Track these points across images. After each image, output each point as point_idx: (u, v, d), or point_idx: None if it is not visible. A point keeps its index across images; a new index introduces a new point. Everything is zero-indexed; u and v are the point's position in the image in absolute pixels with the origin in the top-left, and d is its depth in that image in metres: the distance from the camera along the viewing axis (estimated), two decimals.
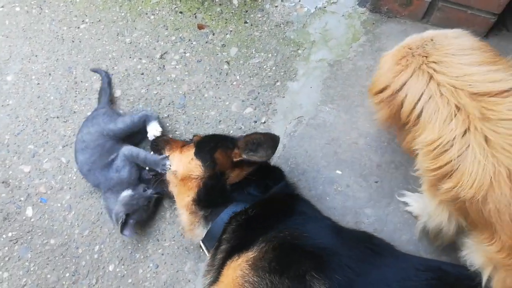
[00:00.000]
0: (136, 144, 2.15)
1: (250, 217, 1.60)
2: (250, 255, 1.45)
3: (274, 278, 1.36)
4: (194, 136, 1.96)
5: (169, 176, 1.83)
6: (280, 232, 1.50)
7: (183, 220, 1.75)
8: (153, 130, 2.08)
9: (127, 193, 1.89)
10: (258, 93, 2.33)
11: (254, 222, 1.58)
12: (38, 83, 2.47)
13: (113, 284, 1.87)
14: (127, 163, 1.95)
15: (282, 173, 1.83)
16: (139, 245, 1.95)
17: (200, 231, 1.71)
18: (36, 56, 2.58)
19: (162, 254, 1.93)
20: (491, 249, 1.30)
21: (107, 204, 1.92)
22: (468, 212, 1.34)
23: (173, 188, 1.82)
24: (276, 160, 2.11)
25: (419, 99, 1.44)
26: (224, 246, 1.59)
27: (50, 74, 2.50)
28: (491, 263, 1.34)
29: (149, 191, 1.91)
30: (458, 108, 1.34)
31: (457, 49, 1.47)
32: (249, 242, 1.49)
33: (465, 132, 1.30)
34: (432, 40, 1.54)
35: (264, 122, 2.24)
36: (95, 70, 2.47)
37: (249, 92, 2.34)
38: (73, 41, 2.62)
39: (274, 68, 2.41)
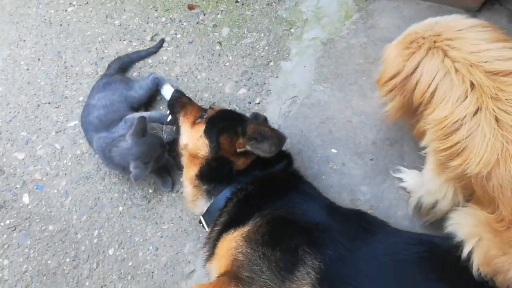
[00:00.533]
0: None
1: (249, 193, 1.62)
2: (245, 229, 1.48)
3: (266, 251, 1.39)
4: (210, 107, 1.90)
5: (181, 148, 1.83)
6: (276, 209, 1.53)
7: (186, 191, 1.76)
8: (169, 92, 2.12)
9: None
10: (252, 73, 2.32)
11: (252, 198, 1.61)
12: (28, 69, 2.43)
13: (114, 267, 1.89)
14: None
15: (288, 154, 1.83)
16: (138, 228, 1.97)
17: (202, 204, 1.72)
18: (24, 41, 2.53)
19: (161, 237, 1.94)
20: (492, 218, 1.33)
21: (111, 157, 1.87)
22: (473, 189, 1.37)
23: (184, 159, 1.82)
24: None
25: (434, 77, 1.42)
26: (222, 219, 1.62)
27: (39, 59, 2.46)
28: (476, 235, 1.37)
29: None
30: (472, 85, 1.34)
31: (469, 26, 1.46)
32: (246, 217, 1.52)
33: (476, 111, 1.31)
34: (437, 23, 1.52)
35: (258, 103, 2.23)
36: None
37: (242, 73, 2.32)
38: (61, 25, 2.56)
39: (266, 48, 2.39)
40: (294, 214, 1.52)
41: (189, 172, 1.73)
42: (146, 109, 2.22)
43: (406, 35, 1.57)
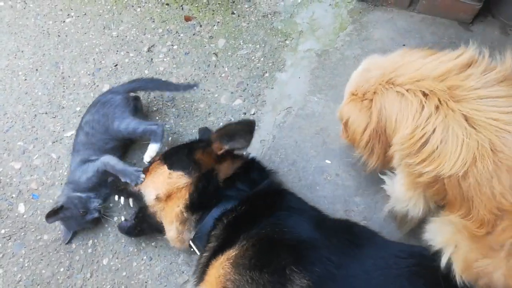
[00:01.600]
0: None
1: (239, 214, 1.62)
2: (231, 253, 1.47)
3: (254, 274, 1.39)
4: (150, 162, 1.88)
5: (153, 206, 1.75)
6: (261, 229, 1.52)
7: (171, 234, 1.73)
8: (150, 152, 1.94)
9: (78, 193, 1.94)
10: (247, 84, 2.34)
11: (240, 220, 1.60)
12: (25, 79, 2.46)
13: (108, 277, 1.90)
14: (95, 173, 1.94)
15: (264, 168, 1.84)
16: (132, 238, 1.97)
17: (189, 235, 1.72)
18: (22, 51, 2.56)
19: (156, 247, 1.95)
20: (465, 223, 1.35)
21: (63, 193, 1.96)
22: (446, 192, 1.38)
23: (161, 213, 1.75)
24: (266, 151, 2.13)
25: (394, 107, 1.45)
26: (211, 244, 1.61)
27: (37, 69, 2.49)
28: (453, 242, 1.38)
29: (91, 215, 1.92)
30: (425, 94, 1.37)
31: (401, 55, 1.53)
32: (232, 241, 1.51)
33: (440, 117, 1.33)
34: (369, 68, 1.58)
35: (254, 114, 2.25)
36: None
37: (238, 84, 2.35)
38: (59, 36, 2.60)
39: (262, 59, 2.41)
40: (280, 232, 1.51)
41: (173, 211, 1.69)
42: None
43: (351, 93, 1.62)
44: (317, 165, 2.08)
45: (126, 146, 2.17)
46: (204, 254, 1.61)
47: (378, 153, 1.60)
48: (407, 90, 1.41)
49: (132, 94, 2.10)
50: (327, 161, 2.08)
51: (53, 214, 1.84)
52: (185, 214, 1.68)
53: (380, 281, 1.41)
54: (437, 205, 1.54)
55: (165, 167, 1.75)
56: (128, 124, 1.97)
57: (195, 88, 2.15)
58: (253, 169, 1.78)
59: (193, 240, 1.71)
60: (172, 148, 1.87)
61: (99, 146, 1.99)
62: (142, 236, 1.96)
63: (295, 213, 1.62)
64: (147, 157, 1.93)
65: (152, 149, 1.94)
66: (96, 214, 1.93)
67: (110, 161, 1.91)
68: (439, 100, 1.34)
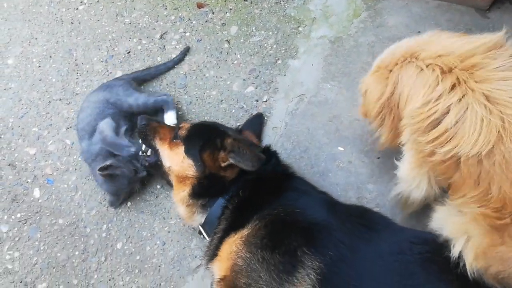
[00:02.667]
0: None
1: (245, 197, 1.63)
2: (244, 232, 1.49)
3: (265, 254, 1.40)
4: (179, 127, 1.86)
5: (167, 170, 1.81)
6: (273, 209, 1.53)
7: (180, 211, 1.78)
8: (169, 120, 2.06)
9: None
10: (259, 71, 2.33)
11: (248, 202, 1.61)
12: (39, 66, 2.48)
13: (122, 261, 1.92)
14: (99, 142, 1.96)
15: (274, 153, 1.83)
16: (146, 223, 2.00)
17: (199, 217, 1.74)
18: (36, 38, 2.57)
19: (169, 232, 1.97)
20: (480, 209, 1.32)
21: (94, 174, 1.99)
22: (455, 172, 1.36)
23: (172, 179, 1.81)
24: (278, 138, 2.13)
25: (411, 81, 1.43)
26: (221, 226, 1.63)
27: (50, 56, 2.50)
28: (465, 231, 1.36)
29: (141, 173, 1.94)
30: (444, 71, 1.35)
31: (433, 35, 1.51)
32: (245, 220, 1.53)
33: (460, 95, 1.30)
34: (401, 47, 1.55)
35: (266, 101, 2.25)
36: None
37: (250, 71, 2.34)
38: (72, 23, 2.61)
39: (274, 46, 2.40)
40: (292, 213, 1.51)
41: (179, 193, 1.73)
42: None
43: (377, 66, 1.60)
44: (329, 152, 2.07)
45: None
46: (216, 236, 1.62)
47: (389, 126, 1.58)
48: (426, 65, 1.39)
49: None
50: (340, 148, 2.07)
51: (104, 169, 1.83)
52: (190, 200, 1.71)
53: (393, 266, 1.41)
54: (440, 188, 1.53)
55: (181, 145, 1.75)
56: (136, 98, 2.06)
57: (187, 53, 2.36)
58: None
59: (202, 225, 1.73)
60: (197, 128, 1.81)
61: (96, 115, 2.03)
62: (155, 221, 1.99)
63: (304, 195, 1.63)
64: (170, 123, 2.04)
65: (171, 117, 2.06)
66: (144, 173, 1.94)
67: (104, 130, 1.95)
68: (457, 78, 1.32)
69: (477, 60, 1.33)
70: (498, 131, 1.23)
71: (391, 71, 1.51)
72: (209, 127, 1.82)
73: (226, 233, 1.57)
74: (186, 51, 2.39)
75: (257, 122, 2.15)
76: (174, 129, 1.86)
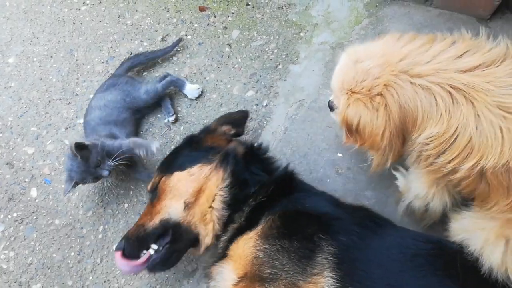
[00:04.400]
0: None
1: (259, 202, 1.61)
2: (259, 228, 1.49)
3: (284, 242, 1.41)
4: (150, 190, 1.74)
5: (184, 218, 1.60)
6: (285, 206, 1.55)
7: (207, 240, 1.63)
8: (194, 92, 2.22)
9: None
10: (260, 76, 2.33)
11: (261, 205, 1.60)
12: (40, 65, 2.48)
13: None
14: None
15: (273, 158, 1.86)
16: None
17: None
18: (37, 38, 2.58)
19: None
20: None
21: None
22: (480, 185, 1.32)
23: (195, 220, 1.62)
24: (277, 143, 2.13)
25: (416, 101, 1.34)
26: (232, 225, 1.61)
27: (51, 56, 2.50)
28: (502, 234, 1.31)
29: (102, 171, 1.83)
30: (454, 88, 1.29)
31: (400, 40, 1.41)
32: (257, 220, 1.53)
33: (472, 109, 1.26)
34: (359, 59, 1.44)
35: (266, 105, 2.25)
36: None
37: (250, 75, 2.34)
38: (74, 23, 2.61)
39: (276, 51, 2.40)
40: (303, 207, 1.55)
41: (206, 215, 1.61)
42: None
43: (348, 91, 1.45)
44: (328, 158, 2.07)
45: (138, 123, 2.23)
46: (223, 238, 1.60)
47: (397, 151, 1.50)
48: (431, 82, 1.31)
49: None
50: (339, 154, 2.07)
51: (79, 147, 1.74)
52: (221, 212, 1.61)
53: (398, 258, 1.41)
54: (463, 198, 1.50)
55: (175, 174, 1.64)
56: (147, 91, 2.12)
57: (178, 43, 2.39)
58: (259, 154, 1.81)
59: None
60: (165, 160, 1.79)
61: (116, 121, 2.03)
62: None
63: (311, 194, 1.65)
64: (195, 95, 2.22)
65: (192, 89, 2.22)
66: (106, 173, 1.82)
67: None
68: (466, 92, 1.27)
69: (477, 72, 1.30)
70: None
71: (380, 94, 1.39)
72: (174, 148, 1.87)
73: (237, 233, 1.55)
74: (178, 42, 2.41)
75: (240, 118, 2.04)
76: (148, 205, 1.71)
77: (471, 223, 1.43)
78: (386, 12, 2.45)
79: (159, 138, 2.19)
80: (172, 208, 1.61)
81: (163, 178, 1.66)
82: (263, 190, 1.62)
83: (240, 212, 1.62)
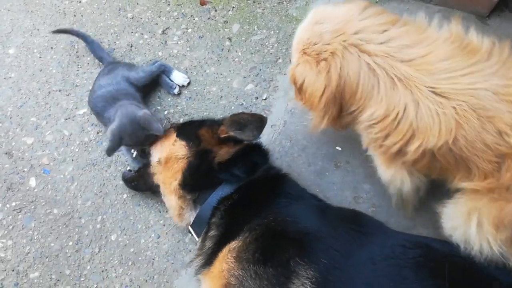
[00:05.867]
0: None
1: (236, 202, 1.61)
2: (235, 245, 1.47)
3: (258, 268, 1.39)
4: (171, 125, 1.96)
5: (153, 167, 1.81)
6: (264, 219, 1.51)
7: (171, 205, 1.75)
8: (181, 79, 2.27)
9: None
10: (260, 69, 2.34)
11: (240, 208, 1.60)
12: (40, 57, 2.48)
13: (116, 253, 1.92)
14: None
15: (266, 152, 1.84)
16: (141, 216, 1.99)
17: (189, 216, 1.72)
18: (38, 29, 2.58)
19: (164, 225, 1.96)
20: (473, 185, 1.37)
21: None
22: (436, 163, 1.42)
23: (159, 177, 1.78)
24: (276, 136, 2.13)
25: (359, 77, 1.42)
26: (213, 233, 1.61)
27: (52, 48, 2.50)
28: (474, 209, 1.38)
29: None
30: (396, 76, 1.36)
31: (360, 13, 1.47)
32: (235, 231, 1.51)
33: (410, 93, 1.35)
34: (320, 20, 1.50)
35: (266, 99, 2.26)
36: (63, 31, 2.45)
37: (250, 69, 2.35)
38: (74, 15, 2.61)
39: (276, 45, 2.41)
40: (283, 222, 1.50)
41: (171, 184, 1.71)
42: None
43: (302, 51, 1.52)
44: (327, 151, 2.08)
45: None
46: (207, 242, 1.60)
47: (332, 116, 1.58)
48: (377, 65, 1.38)
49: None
50: (338, 148, 2.08)
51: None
52: (181, 191, 1.69)
53: (386, 271, 1.40)
54: (426, 176, 1.58)
55: (175, 134, 1.80)
56: (144, 71, 2.19)
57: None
58: (253, 154, 1.77)
59: (192, 226, 1.71)
60: (190, 120, 1.94)
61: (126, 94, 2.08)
62: (150, 214, 1.98)
63: (294, 201, 1.60)
64: (181, 83, 2.28)
65: (179, 76, 2.28)
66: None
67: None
68: (406, 81, 1.35)
69: (418, 61, 1.36)
70: (455, 119, 1.30)
71: (325, 60, 1.45)
72: (203, 118, 1.92)
73: (218, 245, 1.55)
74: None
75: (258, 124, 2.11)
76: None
77: (451, 208, 1.47)
78: (386, 8, 2.44)
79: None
80: (153, 152, 1.84)
81: (170, 129, 1.87)
82: (236, 194, 1.62)
83: (214, 219, 1.61)
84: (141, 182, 1.91)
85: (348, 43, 1.42)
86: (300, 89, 1.60)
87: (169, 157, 1.73)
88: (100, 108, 2.02)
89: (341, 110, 1.56)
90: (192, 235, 1.74)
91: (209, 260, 1.56)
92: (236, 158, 1.70)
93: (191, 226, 1.72)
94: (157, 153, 1.81)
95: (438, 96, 1.32)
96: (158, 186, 1.80)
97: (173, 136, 1.79)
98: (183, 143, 1.72)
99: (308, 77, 1.52)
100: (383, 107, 1.39)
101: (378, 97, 1.39)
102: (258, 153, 1.81)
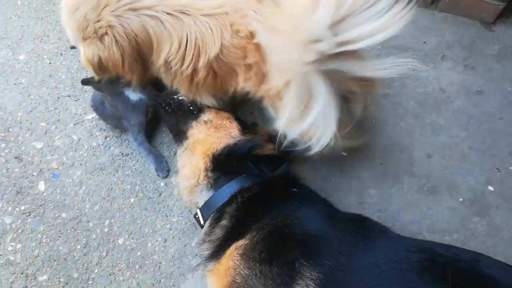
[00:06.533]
0: None
1: (254, 196, 1.63)
2: (242, 243, 1.50)
3: (263, 268, 1.41)
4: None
5: (197, 122, 1.85)
6: (273, 219, 1.54)
7: (191, 170, 1.76)
8: None
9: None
10: None
11: (255, 203, 1.62)
12: (50, 63, 2.52)
13: (123, 256, 1.94)
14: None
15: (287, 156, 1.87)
16: (148, 220, 2.01)
17: (199, 194, 1.73)
18: (47, 36, 2.62)
19: (170, 229, 1.98)
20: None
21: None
22: (216, 80, 1.70)
23: (196, 133, 1.83)
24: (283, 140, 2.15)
25: (146, 29, 1.59)
26: (225, 222, 1.62)
27: (61, 54, 2.55)
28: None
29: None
30: (176, 10, 1.59)
31: None
32: (244, 229, 1.53)
33: (192, 20, 1.57)
34: (74, 7, 1.59)
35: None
36: None
37: None
38: None
39: None
40: (290, 224, 1.52)
41: (207, 149, 1.73)
42: None
43: (82, 38, 1.63)
44: (332, 156, 2.08)
45: None
46: (217, 231, 1.62)
47: (139, 73, 1.77)
48: (159, 12, 1.56)
49: None
50: (343, 153, 2.09)
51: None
52: (209, 163, 1.71)
53: (390, 274, 1.41)
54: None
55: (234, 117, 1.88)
56: None
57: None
58: (283, 161, 1.82)
59: (201, 208, 1.72)
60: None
61: None
62: (157, 218, 2.00)
63: (305, 205, 1.63)
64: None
65: None
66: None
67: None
68: (185, 10, 1.56)
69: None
70: (220, 31, 1.56)
71: (106, 34, 1.57)
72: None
73: (227, 239, 1.57)
74: None
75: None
76: None
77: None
78: None
79: None
80: (205, 114, 1.89)
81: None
82: (255, 187, 1.64)
83: (230, 208, 1.63)
84: (172, 119, 1.96)
85: (120, 11, 1.56)
86: (101, 67, 1.72)
87: (220, 126, 1.81)
88: (98, 103, 2.12)
89: (145, 64, 1.73)
90: (197, 217, 1.74)
91: (216, 252, 1.58)
92: (270, 158, 1.77)
93: (200, 208, 1.72)
94: (210, 114, 1.87)
95: (207, 16, 1.55)
96: (183, 133, 1.86)
97: (230, 116, 1.87)
98: (237, 126, 1.82)
99: (102, 54, 1.64)
100: (176, 41, 1.58)
101: (169, 35, 1.57)
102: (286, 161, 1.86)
